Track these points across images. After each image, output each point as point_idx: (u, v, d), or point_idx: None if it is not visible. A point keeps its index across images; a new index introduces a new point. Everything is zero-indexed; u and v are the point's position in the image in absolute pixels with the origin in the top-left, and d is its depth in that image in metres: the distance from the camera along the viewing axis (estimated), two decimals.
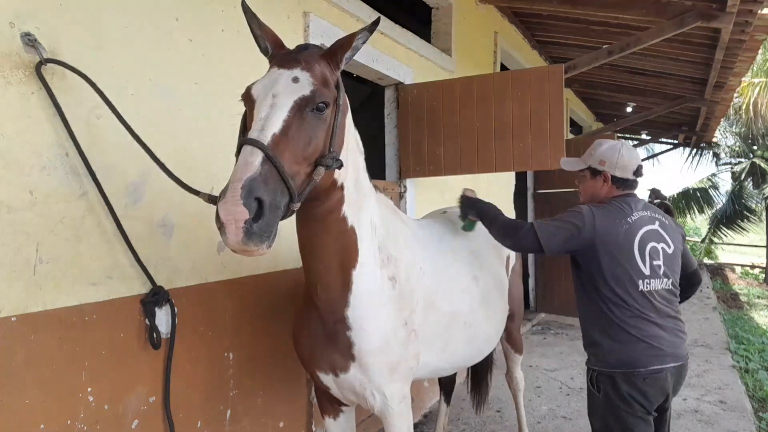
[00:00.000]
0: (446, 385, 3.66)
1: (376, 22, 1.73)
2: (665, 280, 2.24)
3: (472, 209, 2.67)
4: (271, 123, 1.49)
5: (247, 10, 1.76)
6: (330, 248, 1.92)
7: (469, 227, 2.76)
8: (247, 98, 1.64)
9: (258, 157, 1.41)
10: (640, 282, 2.19)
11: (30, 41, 1.76)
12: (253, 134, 1.47)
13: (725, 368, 5.69)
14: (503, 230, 2.40)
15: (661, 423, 2.37)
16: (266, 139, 1.45)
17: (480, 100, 3.62)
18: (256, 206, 1.36)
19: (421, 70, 4.31)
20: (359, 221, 1.98)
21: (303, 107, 1.56)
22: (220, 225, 1.36)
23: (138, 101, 2.14)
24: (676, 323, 2.25)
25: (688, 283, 2.46)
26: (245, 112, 1.68)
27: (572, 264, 2.39)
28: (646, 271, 2.20)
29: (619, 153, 2.30)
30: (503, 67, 6.47)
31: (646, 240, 2.23)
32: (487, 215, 2.53)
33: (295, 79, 1.59)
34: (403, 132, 4.04)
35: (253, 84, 1.65)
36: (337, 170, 1.73)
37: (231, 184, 1.37)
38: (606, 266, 2.19)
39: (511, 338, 3.40)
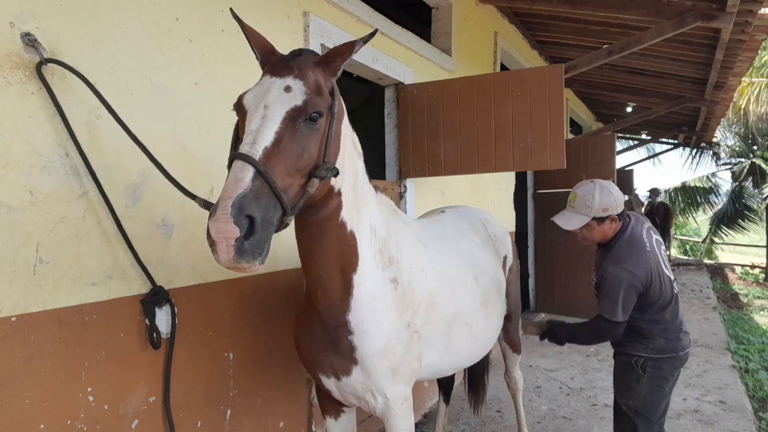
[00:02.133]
0: (445, 385, 3.66)
1: (373, 33, 1.71)
2: (671, 271, 2.69)
3: (559, 339, 2.77)
4: (262, 136, 1.46)
5: (236, 17, 1.74)
6: (329, 253, 1.90)
7: None
8: (239, 108, 1.60)
9: (249, 172, 1.38)
10: (675, 285, 2.65)
11: (30, 41, 1.75)
12: (244, 148, 1.44)
13: (725, 368, 5.69)
14: (594, 338, 2.71)
15: None
16: (257, 153, 1.42)
17: (480, 100, 3.61)
18: (247, 224, 1.33)
19: (421, 70, 4.31)
20: (358, 225, 1.96)
21: (295, 118, 1.52)
22: (211, 242, 1.34)
23: (138, 101, 2.14)
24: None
25: None
26: (237, 122, 1.64)
27: None
28: (672, 276, 2.65)
29: (612, 195, 2.60)
30: (503, 67, 6.47)
31: (659, 249, 2.64)
32: (576, 338, 2.74)
33: (288, 88, 1.55)
34: (403, 132, 4.04)
35: (244, 93, 1.61)
36: (334, 177, 1.70)
37: (221, 201, 1.34)
38: (654, 295, 2.55)
39: (509, 338, 3.40)
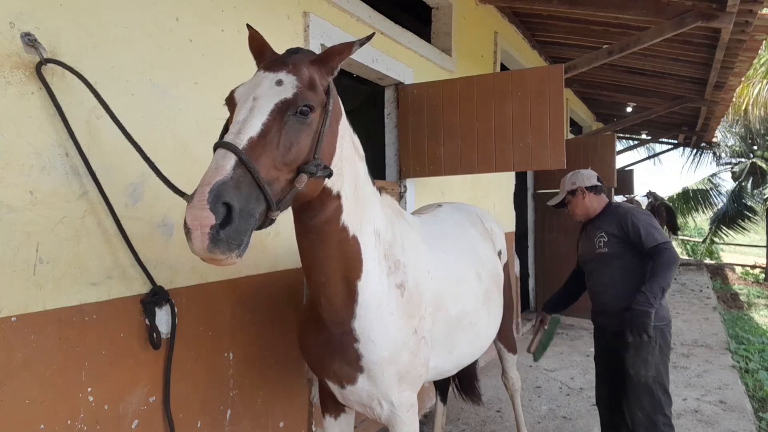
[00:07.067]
0: (441, 384, 3.64)
1: (371, 36, 1.71)
2: None
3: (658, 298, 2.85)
4: (248, 126, 1.42)
5: (250, 28, 1.76)
6: (331, 260, 1.84)
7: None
8: (230, 102, 1.57)
9: (230, 160, 1.33)
10: None
11: (30, 41, 1.75)
12: (228, 137, 1.40)
13: (725, 368, 5.69)
14: (673, 268, 2.83)
15: None
16: (242, 142, 1.37)
17: (480, 100, 3.61)
18: (224, 212, 1.27)
19: (421, 70, 4.31)
20: (361, 230, 1.90)
21: (284, 111, 1.48)
22: (187, 230, 1.27)
23: (138, 101, 2.14)
24: None
25: None
26: (229, 117, 1.61)
27: (630, 253, 2.97)
28: None
29: (581, 174, 3.22)
30: (503, 67, 6.47)
31: None
32: (664, 286, 2.80)
33: (279, 82, 1.52)
34: (403, 132, 4.04)
35: (236, 87, 1.58)
36: (329, 179, 1.65)
37: (199, 188, 1.29)
38: None
39: (503, 337, 3.36)
